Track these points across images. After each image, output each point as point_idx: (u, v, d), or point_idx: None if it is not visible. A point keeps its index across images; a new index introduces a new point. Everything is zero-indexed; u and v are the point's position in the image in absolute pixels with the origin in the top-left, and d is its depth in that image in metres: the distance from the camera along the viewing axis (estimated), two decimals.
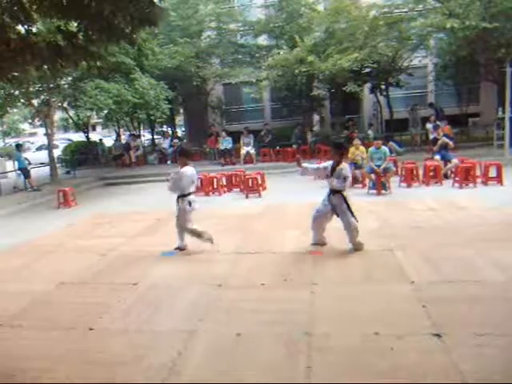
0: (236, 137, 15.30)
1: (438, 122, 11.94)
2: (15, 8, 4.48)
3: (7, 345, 3.49)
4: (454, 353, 2.91)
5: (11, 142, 31.83)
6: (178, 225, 5.66)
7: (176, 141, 17.01)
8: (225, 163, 14.62)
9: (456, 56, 14.81)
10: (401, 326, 3.32)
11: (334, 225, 5.47)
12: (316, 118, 15.92)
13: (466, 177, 9.16)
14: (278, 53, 14.01)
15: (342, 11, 13.59)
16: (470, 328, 3.21)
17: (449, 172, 9.96)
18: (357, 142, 10.14)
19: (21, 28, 5.28)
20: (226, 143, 15.05)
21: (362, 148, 9.96)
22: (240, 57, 17.26)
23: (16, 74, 7.32)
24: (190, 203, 5.47)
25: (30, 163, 13.51)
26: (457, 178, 9.32)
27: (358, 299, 3.87)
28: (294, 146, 15.02)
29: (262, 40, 17.41)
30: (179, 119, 27.58)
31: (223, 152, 14.98)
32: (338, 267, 4.73)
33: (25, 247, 6.58)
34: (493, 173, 9.24)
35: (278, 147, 15.25)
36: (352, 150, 9.94)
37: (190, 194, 5.51)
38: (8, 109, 15.43)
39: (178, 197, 5.53)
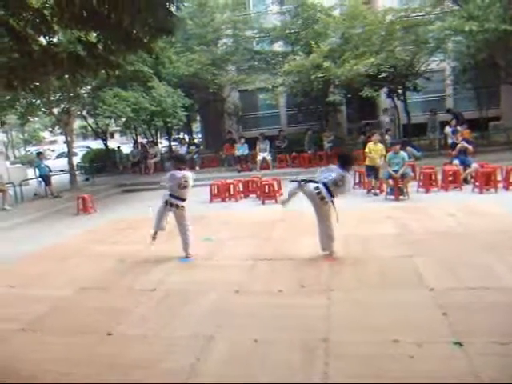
0: (252, 143, 15.36)
1: (458, 127, 11.75)
2: (37, 20, 4.62)
3: (28, 349, 3.56)
4: (475, 361, 2.85)
5: (32, 149, 32.61)
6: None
7: (193, 147, 17.15)
8: (241, 169, 14.68)
9: (475, 59, 14.58)
10: (420, 334, 3.26)
11: (352, 231, 5.42)
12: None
13: (486, 182, 8.96)
14: (294, 59, 13.99)
15: (358, 16, 13.55)
16: (491, 336, 3.13)
17: (468, 177, 9.77)
18: (377, 137, 9.94)
19: (42, 39, 5.44)
20: (242, 149, 15.14)
21: (380, 145, 9.79)
22: (256, 63, 17.34)
23: (38, 83, 7.54)
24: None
25: (50, 170, 13.77)
26: (477, 183, 9.13)
27: (376, 306, 3.82)
28: (309, 152, 14.99)
29: (278, 46, 17.47)
30: (196, 126, 27.83)
31: (239, 158, 15.05)
32: (355, 273, 4.68)
33: (45, 253, 6.70)
34: None
35: (294, 153, 15.24)
36: (370, 145, 9.79)
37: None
38: (29, 117, 15.83)
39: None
